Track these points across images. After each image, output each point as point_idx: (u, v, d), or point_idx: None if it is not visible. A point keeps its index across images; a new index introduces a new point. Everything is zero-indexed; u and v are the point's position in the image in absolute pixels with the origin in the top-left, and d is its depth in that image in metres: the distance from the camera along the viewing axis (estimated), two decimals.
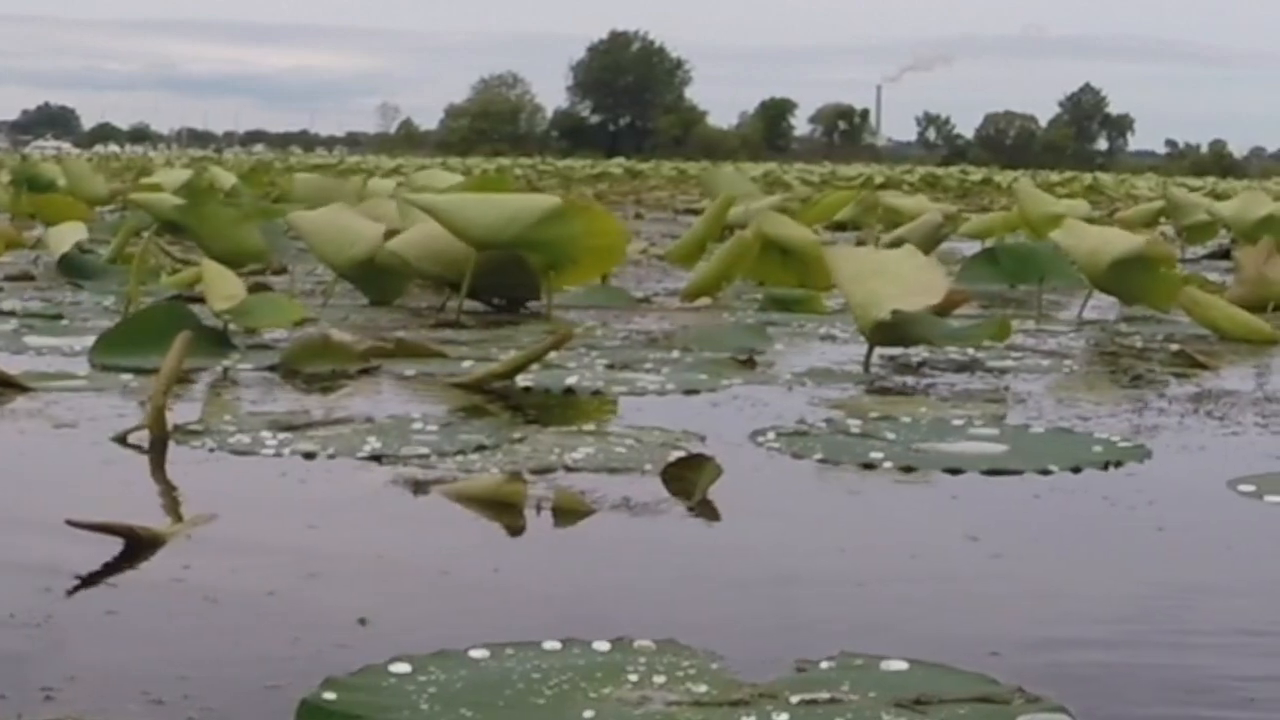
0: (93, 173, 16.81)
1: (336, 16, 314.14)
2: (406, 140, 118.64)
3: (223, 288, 6.17)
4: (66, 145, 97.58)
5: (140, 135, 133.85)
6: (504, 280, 7.57)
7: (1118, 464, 4.14)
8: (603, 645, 2.43)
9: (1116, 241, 7.84)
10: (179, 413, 4.54)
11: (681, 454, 3.85)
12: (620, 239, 7.44)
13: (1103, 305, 8.58)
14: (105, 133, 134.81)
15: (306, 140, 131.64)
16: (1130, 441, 4.43)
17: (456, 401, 4.99)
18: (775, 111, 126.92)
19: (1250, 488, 3.85)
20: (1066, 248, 8.17)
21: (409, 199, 7.96)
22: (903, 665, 2.36)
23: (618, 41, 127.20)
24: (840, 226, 15.71)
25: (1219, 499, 3.77)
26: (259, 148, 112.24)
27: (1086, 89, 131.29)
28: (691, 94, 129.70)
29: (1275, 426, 4.86)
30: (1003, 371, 5.95)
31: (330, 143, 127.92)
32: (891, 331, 5.90)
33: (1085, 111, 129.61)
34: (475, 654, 2.39)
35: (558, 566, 3.05)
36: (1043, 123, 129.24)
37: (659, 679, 2.31)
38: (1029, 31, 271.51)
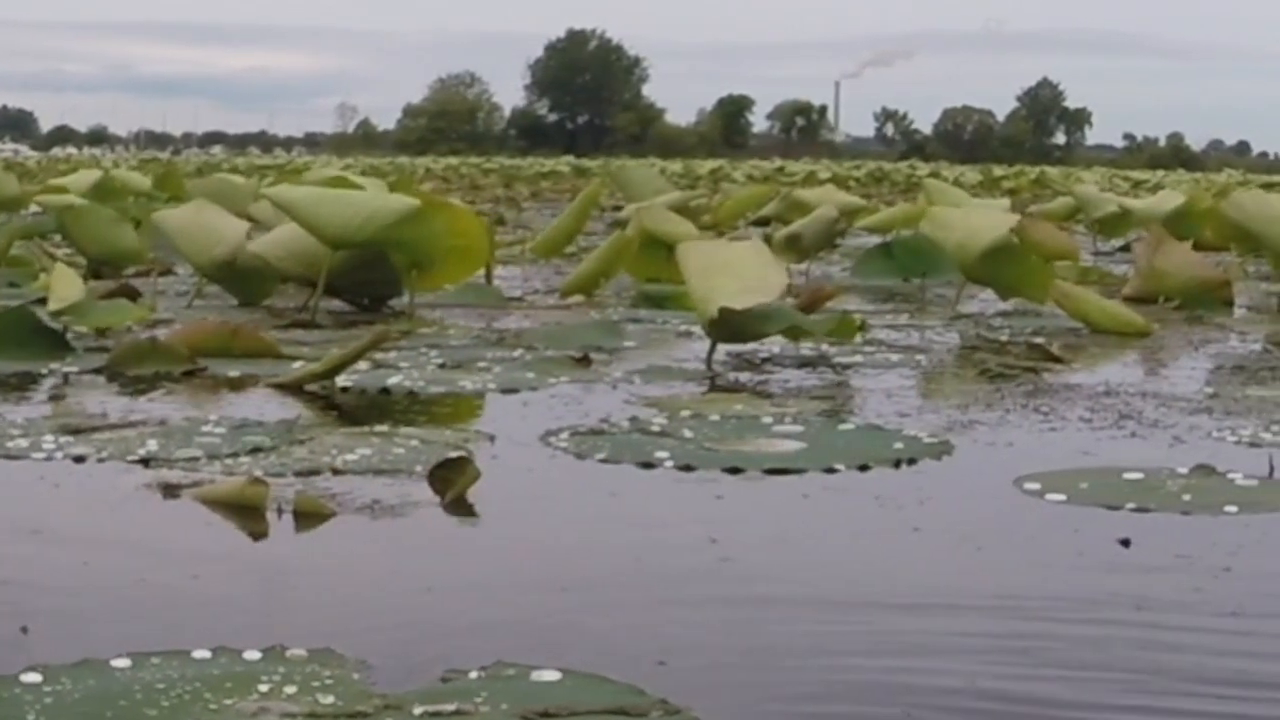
0: (3, 173, 16.69)
1: (294, 17, 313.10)
2: (364, 140, 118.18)
3: (61, 289, 6.07)
4: (24, 148, 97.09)
5: (98, 137, 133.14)
6: (367, 279, 7.49)
7: (911, 461, 4.07)
8: (254, 654, 2.35)
9: (984, 231, 7.73)
10: None
11: (453, 456, 3.76)
12: (481, 239, 7.34)
13: (989, 299, 8.49)
14: (63, 135, 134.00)
15: (265, 141, 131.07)
16: (937, 438, 4.36)
17: (268, 403, 4.90)
18: (733, 108, 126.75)
19: (1035, 485, 3.77)
20: (935, 239, 8.09)
21: (265, 194, 7.86)
22: (555, 676, 2.28)
23: (575, 40, 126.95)
24: (764, 221, 15.62)
25: (998, 497, 3.69)
26: (217, 149, 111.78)
27: (1044, 83, 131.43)
28: (649, 91, 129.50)
29: (1099, 421, 4.78)
30: (846, 367, 5.88)
31: (289, 143, 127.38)
32: (731, 327, 5.83)
33: (1043, 106, 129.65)
34: (117, 663, 2.31)
35: (261, 572, 2.96)
36: (1000, 117, 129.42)
37: (290, 689, 2.23)
38: (989, 26, 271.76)
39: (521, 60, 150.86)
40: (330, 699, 2.19)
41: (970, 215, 8.42)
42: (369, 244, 7.11)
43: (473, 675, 2.28)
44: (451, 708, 2.16)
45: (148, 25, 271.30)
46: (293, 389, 5.13)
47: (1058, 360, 6.22)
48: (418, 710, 2.15)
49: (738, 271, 5.92)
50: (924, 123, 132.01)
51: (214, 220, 7.74)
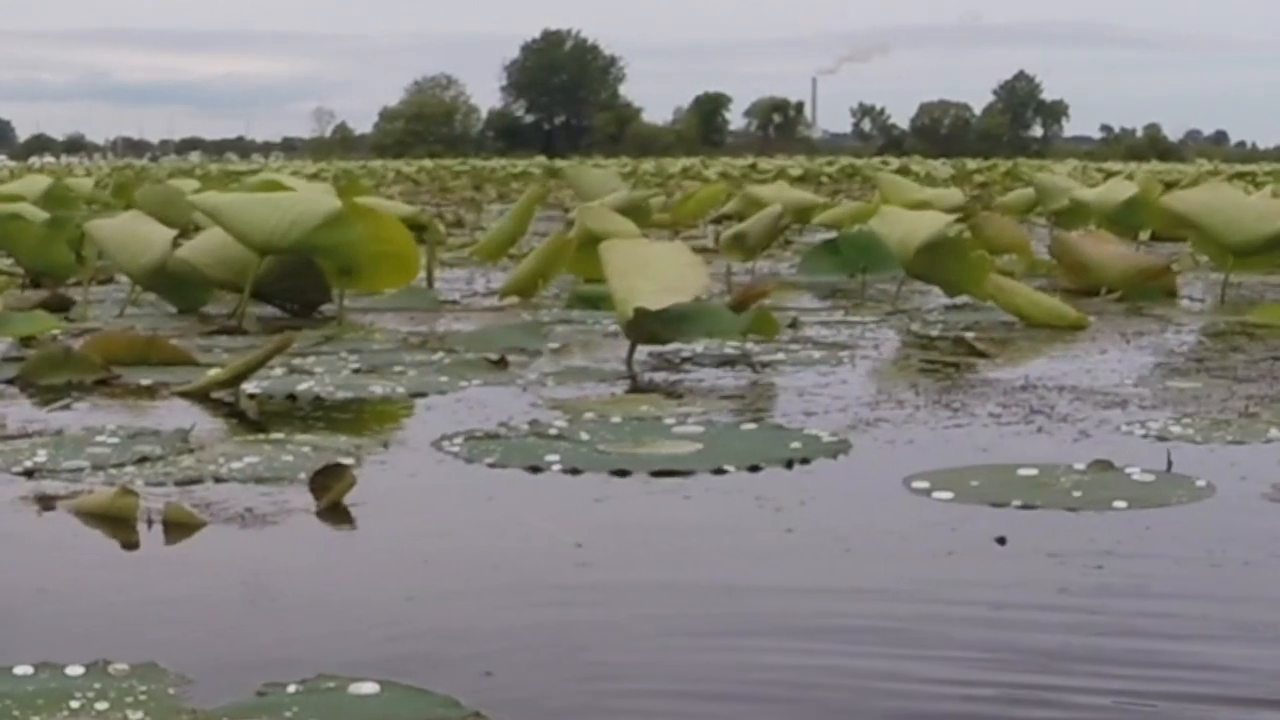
0: None
1: (269, 21, 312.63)
2: (342, 144, 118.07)
3: None
4: (2, 157, 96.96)
5: (76, 145, 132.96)
6: (297, 285, 7.45)
7: (805, 461, 4.04)
8: (77, 669, 2.33)
9: (922, 227, 7.72)
10: None
11: (334, 462, 3.73)
12: (408, 245, 7.29)
13: (938, 294, 8.41)
14: (41, 144, 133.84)
15: (242, 146, 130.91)
16: (837, 437, 4.33)
17: (172, 412, 4.86)
18: (710, 106, 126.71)
19: (924, 484, 3.75)
20: (880, 234, 8.07)
21: (192, 200, 7.83)
22: (373, 688, 2.26)
23: (551, 40, 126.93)
24: (724, 219, 15.62)
25: (883, 496, 3.66)
26: (195, 155, 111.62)
27: (1021, 76, 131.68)
28: (626, 91, 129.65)
29: (1008, 417, 4.75)
30: (765, 365, 5.85)
31: (266, 148, 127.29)
32: (648, 329, 5.80)
33: (1020, 99, 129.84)
34: None
35: (112, 585, 2.93)
36: (977, 111, 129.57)
37: (102, 705, 2.20)
38: (966, 20, 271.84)
39: (497, 61, 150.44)
40: (139, 715, 2.17)
41: (918, 210, 8.43)
42: (295, 249, 7.07)
43: (290, 689, 2.26)
44: None
45: (123, 33, 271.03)
46: (199, 397, 5.09)
47: (982, 355, 6.20)
48: None
49: (656, 272, 5.90)
50: (901, 117, 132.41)
51: (144, 228, 7.69)
